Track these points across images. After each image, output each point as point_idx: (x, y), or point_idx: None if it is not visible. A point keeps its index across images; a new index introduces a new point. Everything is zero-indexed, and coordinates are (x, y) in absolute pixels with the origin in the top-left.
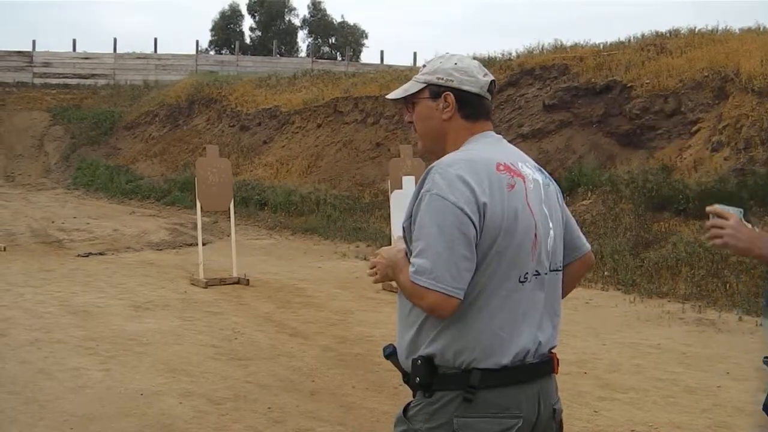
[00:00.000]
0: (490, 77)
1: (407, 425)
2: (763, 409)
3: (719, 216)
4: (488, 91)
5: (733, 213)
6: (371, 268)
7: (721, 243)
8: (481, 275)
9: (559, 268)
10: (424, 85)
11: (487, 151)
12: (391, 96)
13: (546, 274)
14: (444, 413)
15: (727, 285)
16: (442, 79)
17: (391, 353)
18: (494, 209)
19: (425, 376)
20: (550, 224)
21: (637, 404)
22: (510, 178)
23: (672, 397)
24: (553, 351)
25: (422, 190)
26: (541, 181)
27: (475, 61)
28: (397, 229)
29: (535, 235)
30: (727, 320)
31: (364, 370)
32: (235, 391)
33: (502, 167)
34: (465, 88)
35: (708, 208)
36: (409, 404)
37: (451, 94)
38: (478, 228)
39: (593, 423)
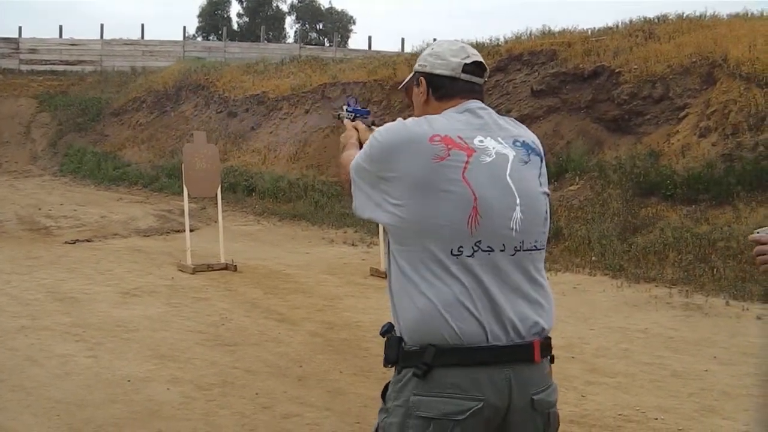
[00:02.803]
0: (472, 59)
1: (383, 404)
2: None
3: (758, 243)
4: (467, 72)
5: None
6: None
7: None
8: (410, 244)
9: (537, 248)
10: (413, 73)
11: (439, 122)
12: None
13: (504, 251)
14: (406, 390)
15: (715, 270)
16: (420, 65)
17: (386, 331)
18: (405, 179)
19: (390, 353)
20: (517, 200)
21: (624, 388)
22: (443, 150)
23: (659, 381)
24: (538, 336)
25: None
26: (513, 156)
27: (458, 45)
28: None
29: (475, 209)
30: (714, 305)
31: (351, 356)
32: (222, 377)
33: (438, 138)
34: (436, 71)
35: (749, 237)
36: (388, 383)
37: (423, 79)
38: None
39: (581, 407)
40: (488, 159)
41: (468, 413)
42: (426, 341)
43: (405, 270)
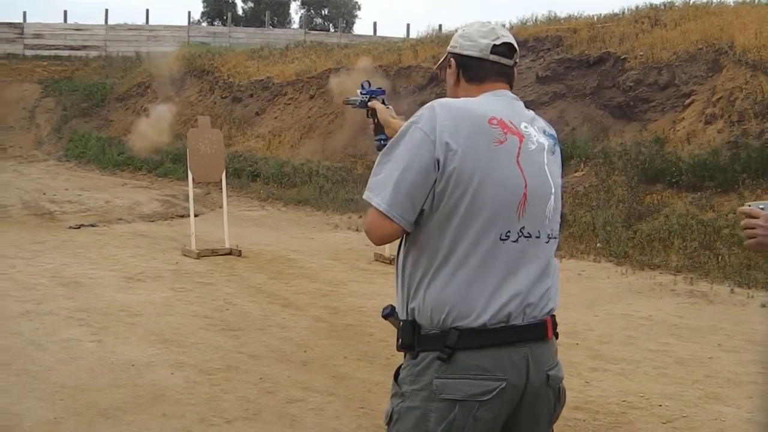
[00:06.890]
0: (501, 40)
1: (397, 388)
2: None
3: (749, 216)
4: (496, 53)
5: (764, 208)
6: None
7: (755, 243)
8: (454, 227)
9: (556, 237)
10: (447, 54)
11: (488, 105)
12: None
13: (540, 238)
14: (426, 374)
15: (719, 257)
16: (451, 46)
17: (389, 314)
18: (465, 158)
19: (407, 336)
20: (552, 189)
21: (628, 375)
22: (501, 134)
23: (663, 368)
24: (549, 315)
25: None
26: (546, 146)
27: (489, 26)
28: None
29: (525, 195)
30: (719, 292)
31: (355, 341)
32: (226, 361)
33: (495, 122)
34: (465, 52)
35: (739, 209)
36: (399, 367)
37: (453, 60)
38: (440, 163)
39: (585, 393)
40: (532, 146)
41: (493, 393)
42: (448, 325)
43: (434, 254)
